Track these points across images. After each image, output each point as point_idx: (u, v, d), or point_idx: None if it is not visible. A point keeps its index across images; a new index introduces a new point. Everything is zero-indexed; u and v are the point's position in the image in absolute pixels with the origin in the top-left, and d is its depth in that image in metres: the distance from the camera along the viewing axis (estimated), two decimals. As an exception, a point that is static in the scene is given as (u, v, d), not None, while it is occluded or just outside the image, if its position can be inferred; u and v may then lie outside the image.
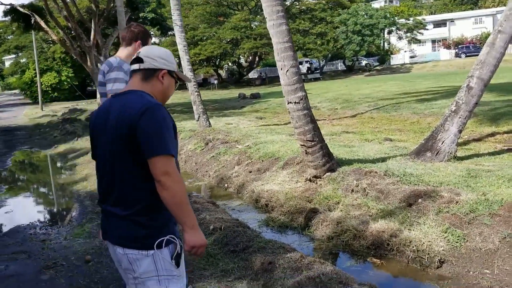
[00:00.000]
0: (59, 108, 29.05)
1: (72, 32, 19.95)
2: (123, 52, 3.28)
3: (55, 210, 7.48)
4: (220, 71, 50.33)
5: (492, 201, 4.31)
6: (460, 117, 6.41)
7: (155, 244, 1.86)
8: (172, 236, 1.91)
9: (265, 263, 3.87)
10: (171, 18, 12.23)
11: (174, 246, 1.92)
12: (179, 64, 12.33)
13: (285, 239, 4.97)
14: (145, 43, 3.25)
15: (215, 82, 43.42)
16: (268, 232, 5.21)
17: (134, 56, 2.02)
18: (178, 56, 12.25)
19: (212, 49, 40.31)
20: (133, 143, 1.84)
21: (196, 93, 11.38)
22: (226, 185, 7.61)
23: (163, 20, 31.30)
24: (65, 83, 37.64)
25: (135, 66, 2.00)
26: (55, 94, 38.28)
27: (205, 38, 41.87)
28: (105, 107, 2.01)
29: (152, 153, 1.82)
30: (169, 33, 36.65)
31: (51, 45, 36.38)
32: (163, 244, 1.88)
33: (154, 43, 47.59)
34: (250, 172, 7.48)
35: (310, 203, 5.65)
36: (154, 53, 2.01)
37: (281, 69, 5.63)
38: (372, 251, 4.35)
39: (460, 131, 6.49)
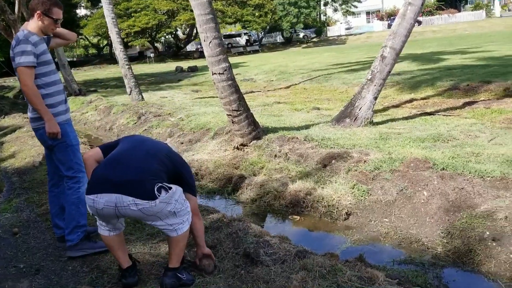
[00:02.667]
0: (-16, 86, 27.40)
1: (-7, 3, 18.72)
2: (30, 24, 3.27)
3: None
4: (156, 44, 49.15)
5: (395, 159, 4.78)
6: (375, 85, 6.89)
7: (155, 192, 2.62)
8: (161, 183, 2.69)
9: (189, 224, 4.12)
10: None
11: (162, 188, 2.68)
12: (110, 37, 12.01)
13: (212, 203, 5.25)
14: (48, 13, 3.25)
15: (152, 55, 42.42)
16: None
17: None
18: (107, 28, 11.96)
19: (146, 20, 39.21)
20: (173, 175, 2.92)
21: (127, 66, 11.24)
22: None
23: (93, -9, 30.02)
24: (-10, 58, 35.32)
25: None
26: (-21, 69, 35.87)
27: (139, 9, 40.56)
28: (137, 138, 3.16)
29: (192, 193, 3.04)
30: (100, 4, 35.14)
31: (-29, 18, 33.81)
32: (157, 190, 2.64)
33: (85, 16, 45.53)
34: (182, 143, 7.65)
35: (237, 169, 5.94)
36: None
37: (204, 40, 5.78)
38: (290, 209, 4.72)
39: (375, 98, 6.98)
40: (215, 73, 5.93)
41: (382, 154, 5.01)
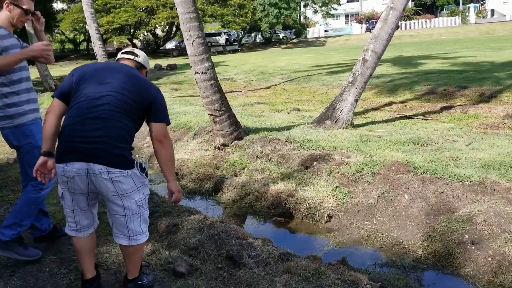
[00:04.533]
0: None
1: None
2: None
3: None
4: (135, 41, 48.56)
5: (376, 162, 4.83)
6: (356, 88, 6.95)
7: (134, 163, 2.48)
8: (139, 159, 2.65)
9: (170, 225, 4.06)
10: (77, -17, 11.65)
11: (142, 165, 2.56)
12: (87, 33, 11.81)
13: (193, 204, 5.19)
14: (18, 2, 3.08)
15: (131, 52, 41.82)
16: (176, 199, 5.39)
17: (130, 50, 2.83)
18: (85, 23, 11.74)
19: (126, 17, 38.68)
20: (143, 104, 2.55)
21: (106, 63, 11.06)
22: (137, 155, 7.63)
23: (71, -15, 29.46)
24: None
25: (131, 56, 2.78)
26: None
27: (118, 5, 39.99)
28: (115, 66, 2.66)
29: (162, 119, 2.59)
30: (78, -1, 34.55)
31: None
32: (135, 164, 2.50)
33: (62, 10, 44.63)
34: (162, 142, 7.55)
35: (218, 170, 5.90)
36: (144, 56, 2.86)
37: (187, 39, 5.72)
38: (272, 210, 4.71)
39: (356, 101, 7.04)
40: (197, 72, 5.87)
41: (363, 157, 5.05)
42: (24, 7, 3.15)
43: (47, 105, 10.36)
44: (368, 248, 3.86)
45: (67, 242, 3.88)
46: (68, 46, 59.42)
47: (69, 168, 2.42)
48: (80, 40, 56.51)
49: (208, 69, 5.86)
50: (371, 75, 7.07)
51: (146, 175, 2.59)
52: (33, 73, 10.37)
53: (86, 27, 46.44)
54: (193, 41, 5.69)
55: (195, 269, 3.29)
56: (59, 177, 2.53)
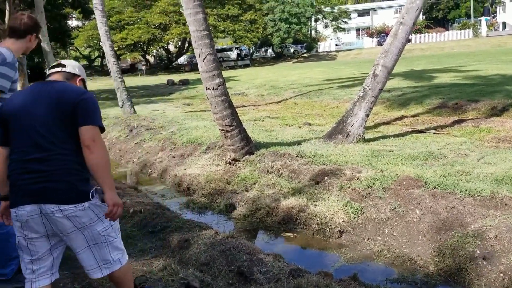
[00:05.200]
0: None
1: (-16, 13, 18.67)
2: (17, 44, 3.03)
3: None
4: (148, 57, 49.23)
5: (388, 177, 4.82)
6: (367, 102, 6.97)
7: (90, 194, 2.26)
8: (96, 187, 2.30)
9: (181, 241, 4.10)
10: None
11: (100, 192, 2.31)
12: (102, 50, 12.01)
13: (204, 219, 5.23)
14: (37, 35, 3.11)
15: (143, 68, 42.47)
16: (188, 214, 5.44)
17: (57, 63, 2.59)
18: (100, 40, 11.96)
19: (139, 33, 39.33)
20: (72, 116, 2.26)
21: (120, 79, 11.24)
22: (149, 170, 7.71)
23: (85, 3, 29.98)
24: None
25: (58, 69, 2.54)
26: (-33, 80, 35.48)
27: (132, 22, 40.68)
28: (35, 90, 2.39)
29: (87, 122, 2.27)
30: (92, 16, 35.18)
31: (-40, 27, 33.58)
32: (91, 195, 2.27)
33: (77, 27, 45.48)
34: (174, 157, 7.64)
35: (229, 184, 5.94)
36: (73, 64, 2.62)
37: (199, 56, 5.82)
38: (283, 225, 4.72)
39: (367, 115, 7.06)
40: (208, 88, 5.96)
41: (374, 172, 5.05)
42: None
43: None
44: (379, 264, 3.85)
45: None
46: (83, 62, 60.38)
47: (20, 212, 2.25)
48: (95, 56, 57.43)
49: (219, 85, 5.94)
50: (381, 89, 7.09)
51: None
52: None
53: (100, 43, 47.35)
54: (205, 58, 5.78)
55: (206, 285, 3.31)
56: (13, 223, 2.34)
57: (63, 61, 2.62)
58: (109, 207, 2.25)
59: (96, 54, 55.95)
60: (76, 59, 60.16)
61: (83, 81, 2.61)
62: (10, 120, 2.32)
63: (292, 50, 50.19)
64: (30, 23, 3.03)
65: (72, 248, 2.36)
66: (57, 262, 2.45)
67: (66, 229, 2.25)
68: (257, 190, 5.47)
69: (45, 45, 14.80)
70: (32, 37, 3.07)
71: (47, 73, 2.58)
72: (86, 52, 57.30)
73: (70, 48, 49.16)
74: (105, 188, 2.25)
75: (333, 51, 51.35)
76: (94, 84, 32.47)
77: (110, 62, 11.23)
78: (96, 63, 57.04)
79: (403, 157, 5.81)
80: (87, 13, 31.40)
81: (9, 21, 3.31)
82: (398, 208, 4.31)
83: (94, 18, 37.46)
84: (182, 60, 51.67)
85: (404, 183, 4.59)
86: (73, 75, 2.56)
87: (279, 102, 15.11)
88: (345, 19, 48.37)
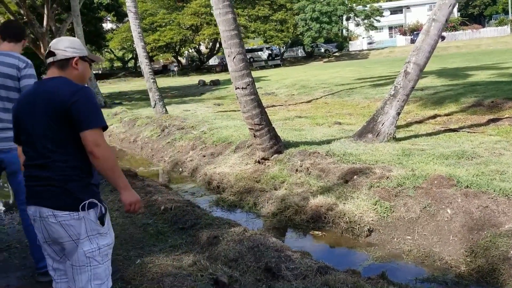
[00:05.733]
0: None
1: (24, 18, 19.39)
2: (16, 47, 3.43)
3: (10, 199, 7.50)
4: (180, 58, 49.91)
5: (418, 175, 4.75)
6: (398, 101, 6.87)
7: (80, 206, 2.10)
8: (93, 199, 2.16)
9: (211, 237, 4.16)
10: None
11: (98, 209, 2.18)
12: (135, 51, 12.25)
13: (233, 216, 5.29)
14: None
15: (175, 69, 43.10)
16: (218, 211, 5.52)
17: (47, 50, 2.27)
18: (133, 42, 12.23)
19: (171, 35, 39.93)
20: (66, 119, 2.09)
21: (152, 80, 11.47)
22: (180, 169, 7.85)
23: (119, 6, 30.73)
24: (18, 71, 36.35)
25: (50, 59, 2.24)
26: (8, 82, 36.90)
27: (164, 24, 41.35)
28: (27, 92, 2.28)
29: (87, 126, 2.08)
30: (126, 19, 36.02)
31: (2, 31, 34.94)
32: (86, 207, 2.12)
33: (111, 30, 46.59)
34: (204, 156, 7.74)
35: (258, 183, 5.98)
36: (63, 44, 2.26)
37: (229, 56, 5.88)
38: (311, 224, 4.72)
39: (398, 114, 6.96)
40: (238, 88, 6.01)
41: (405, 171, 4.98)
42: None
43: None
44: (409, 263, 3.80)
45: (114, 252, 4.06)
46: (117, 64, 61.85)
47: (29, 211, 2.24)
48: (128, 58, 58.69)
49: (249, 85, 5.99)
50: (413, 87, 6.98)
51: (102, 222, 2.19)
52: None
53: (134, 45, 48.24)
54: (234, 57, 5.85)
55: (235, 280, 3.36)
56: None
57: (52, 44, 2.27)
58: (125, 206, 2.19)
59: (130, 55, 57.18)
60: (111, 61, 61.71)
61: (82, 58, 2.29)
62: (18, 123, 2.27)
63: (323, 49, 49.82)
64: (22, 29, 3.53)
65: (67, 256, 2.22)
66: (71, 272, 2.26)
67: (62, 236, 2.13)
68: (286, 189, 5.49)
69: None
70: (25, 42, 3.50)
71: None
72: (120, 54, 58.63)
73: (105, 50, 50.37)
74: (119, 188, 2.17)
75: (365, 50, 50.67)
76: (128, 85, 33.24)
77: (143, 63, 11.48)
78: (129, 65, 58.27)
79: (435, 156, 5.71)
80: (120, 16, 32.21)
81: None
82: (429, 207, 4.24)
83: (128, 20, 38.37)
84: (213, 61, 52.15)
85: (436, 182, 4.51)
86: (67, 61, 2.24)
87: (309, 101, 15.05)
88: (377, 17, 47.59)
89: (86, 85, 2.23)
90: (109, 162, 2.12)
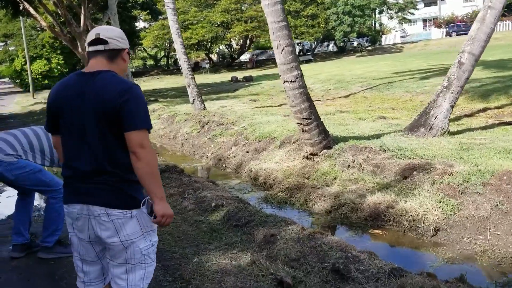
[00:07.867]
0: (51, 96, 28.72)
1: (62, 17, 19.72)
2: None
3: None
4: (211, 55, 50.08)
5: (484, 171, 4.46)
6: (452, 93, 6.54)
7: (141, 203, 2.05)
8: (147, 196, 2.09)
9: (267, 235, 4.01)
10: (161, 1, 12.16)
11: (148, 204, 2.10)
12: (167, 49, 12.23)
13: (285, 213, 5.11)
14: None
15: (207, 66, 43.22)
16: (268, 208, 5.35)
17: (94, 37, 2.11)
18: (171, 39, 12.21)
19: (203, 32, 40.03)
20: (115, 117, 1.99)
21: (190, 76, 11.41)
22: (224, 165, 7.73)
23: (154, 4, 30.97)
24: (56, 70, 37.26)
25: (100, 47, 2.10)
26: (46, 81, 37.83)
27: (195, 22, 41.52)
28: (71, 83, 2.12)
29: (134, 127, 1.99)
30: (159, 17, 36.31)
31: (39, 32, 35.88)
32: (144, 203, 2.07)
33: (144, 28, 47.16)
34: (247, 152, 7.60)
35: (307, 179, 5.80)
36: (114, 33, 2.14)
37: (277, 48, 5.70)
38: (370, 222, 4.50)
39: (452, 106, 6.63)
40: (286, 81, 5.83)
41: (468, 166, 4.69)
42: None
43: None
44: (484, 265, 3.54)
45: (170, 250, 3.96)
46: (149, 62, 62.60)
47: (71, 209, 2.14)
48: (161, 56, 59.32)
49: (297, 78, 5.80)
50: (467, 78, 6.64)
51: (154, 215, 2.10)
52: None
53: (166, 43, 48.81)
54: (283, 49, 5.66)
55: (299, 281, 3.20)
56: (66, 218, 2.23)
57: (101, 31, 2.12)
58: (157, 217, 2.06)
59: (162, 54, 57.76)
60: (143, 59, 62.57)
61: (128, 54, 2.23)
62: (58, 114, 2.14)
63: (355, 43, 48.97)
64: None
65: (109, 256, 2.15)
66: (111, 269, 2.20)
67: (111, 235, 2.06)
68: (338, 185, 5.29)
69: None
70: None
71: (88, 50, 2.15)
72: (152, 52, 59.35)
73: (138, 48, 51.06)
74: (154, 198, 2.05)
75: (399, 44, 49.50)
76: (161, 82, 33.53)
77: (181, 59, 11.44)
78: (162, 62, 58.90)
79: (497, 150, 5.37)
80: (155, 14, 32.45)
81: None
82: (501, 204, 3.96)
83: (161, 19, 38.50)
84: (244, 58, 52.07)
85: (505, 177, 4.22)
86: (118, 51, 2.14)
87: (347, 96, 14.71)
88: (411, 10, 46.40)
89: (135, 83, 2.09)
90: (151, 166, 2.02)
